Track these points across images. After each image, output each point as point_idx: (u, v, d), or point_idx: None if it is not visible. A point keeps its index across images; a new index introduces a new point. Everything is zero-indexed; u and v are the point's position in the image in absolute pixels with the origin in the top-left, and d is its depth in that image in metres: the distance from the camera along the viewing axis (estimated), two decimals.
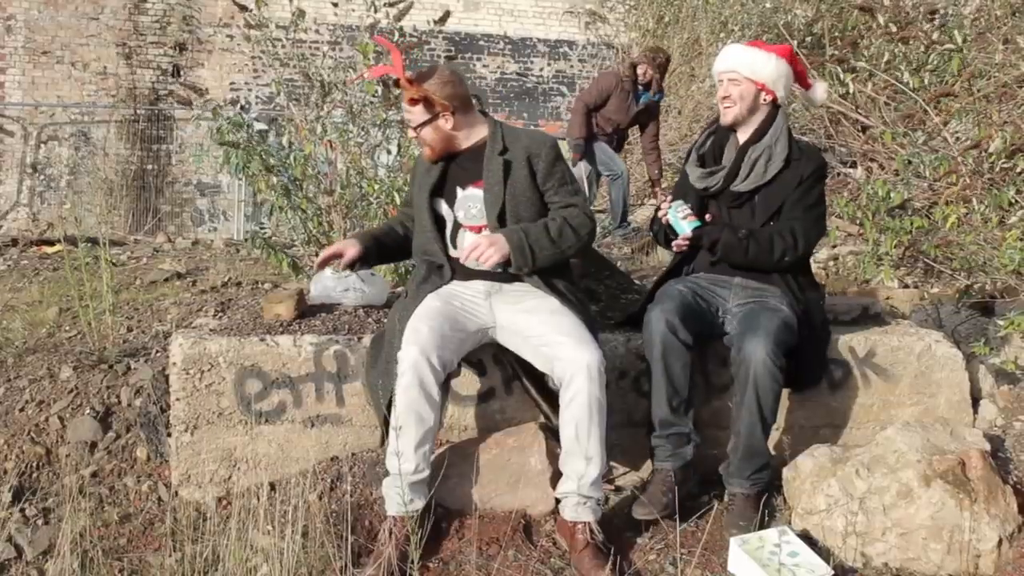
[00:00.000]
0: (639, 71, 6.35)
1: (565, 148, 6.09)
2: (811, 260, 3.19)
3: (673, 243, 2.98)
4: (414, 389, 2.52)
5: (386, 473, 2.62)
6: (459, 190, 2.85)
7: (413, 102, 2.77)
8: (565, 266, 2.87)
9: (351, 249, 2.89)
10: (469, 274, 2.82)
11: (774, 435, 2.94)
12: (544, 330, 2.66)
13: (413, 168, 3.07)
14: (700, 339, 2.90)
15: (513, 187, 2.78)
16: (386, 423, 2.68)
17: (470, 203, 2.83)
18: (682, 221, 2.92)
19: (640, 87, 6.42)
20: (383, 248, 2.99)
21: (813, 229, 2.94)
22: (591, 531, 2.60)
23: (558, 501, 2.72)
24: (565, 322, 2.68)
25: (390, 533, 2.55)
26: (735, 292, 2.96)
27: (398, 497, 2.53)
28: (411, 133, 2.87)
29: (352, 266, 2.92)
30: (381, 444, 2.77)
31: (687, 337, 2.76)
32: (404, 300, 2.83)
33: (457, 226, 2.86)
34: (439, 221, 2.89)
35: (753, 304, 2.90)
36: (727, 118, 2.97)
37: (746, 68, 2.93)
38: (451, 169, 2.88)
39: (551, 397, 2.82)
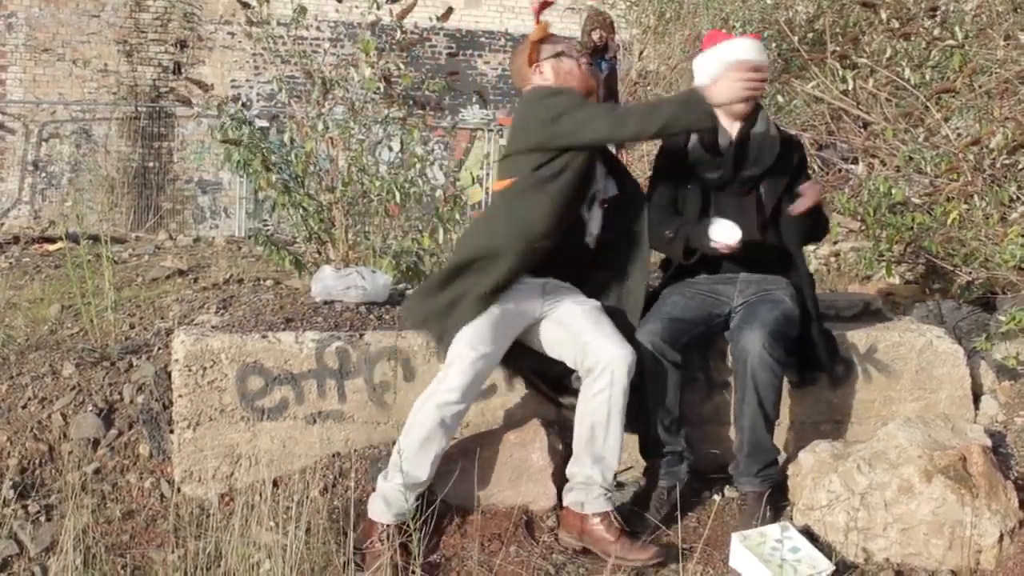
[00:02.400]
0: (595, 37, 6.32)
1: None
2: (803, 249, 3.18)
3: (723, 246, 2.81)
4: (448, 421, 2.58)
5: (379, 472, 2.62)
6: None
7: None
8: None
9: None
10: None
11: (775, 431, 2.94)
12: (587, 326, 2.68)
13: None
14: (698, 344, 2.91)
15: None
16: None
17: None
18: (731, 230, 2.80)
19: (597, 56, 6.37)
20: None
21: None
22: (611, 519, 2.62)
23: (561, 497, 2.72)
24: (608, 320, 2.72)
25: (387, 539, 2.52)
26: (740, 288, 2.95)
27: (400, 505, 2.54)
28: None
29: None
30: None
31: (675, 356, 2.76)
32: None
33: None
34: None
35: (755, 299, 2.90)
36: (749, 107, 2.90)
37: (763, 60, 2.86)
38: None
39: (556, 386, 2.83)
